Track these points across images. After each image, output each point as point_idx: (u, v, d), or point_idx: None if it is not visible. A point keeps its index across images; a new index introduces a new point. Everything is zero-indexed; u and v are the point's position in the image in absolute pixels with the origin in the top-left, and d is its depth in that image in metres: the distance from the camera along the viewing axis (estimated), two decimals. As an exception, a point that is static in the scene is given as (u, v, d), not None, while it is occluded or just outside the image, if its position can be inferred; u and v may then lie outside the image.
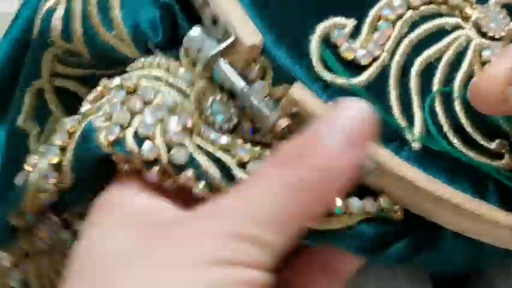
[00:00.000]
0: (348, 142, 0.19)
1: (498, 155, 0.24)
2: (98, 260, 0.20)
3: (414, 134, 0.23)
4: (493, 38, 0.25)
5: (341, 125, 0.19)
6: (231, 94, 0.23)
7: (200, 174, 0.21)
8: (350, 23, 0.24)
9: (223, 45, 0.22)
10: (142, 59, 0.25)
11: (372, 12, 0.24)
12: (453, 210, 0.22)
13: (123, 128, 0.22)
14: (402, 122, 0.23)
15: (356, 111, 0.20)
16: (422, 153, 0.23)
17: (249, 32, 0.22)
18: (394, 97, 0.23)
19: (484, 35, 0.25)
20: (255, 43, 0.22)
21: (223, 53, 0.23)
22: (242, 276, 0.18)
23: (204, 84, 0.23)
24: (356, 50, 0.23)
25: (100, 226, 0.21)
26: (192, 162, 0.21)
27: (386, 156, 0.22)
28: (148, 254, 0.19)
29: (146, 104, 0.23)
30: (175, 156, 0.21)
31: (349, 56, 0.23)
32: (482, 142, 0.24)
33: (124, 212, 0.21)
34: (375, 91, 0.23)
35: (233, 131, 0.23)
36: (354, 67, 0.23)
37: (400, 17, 0.24)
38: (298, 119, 0.22)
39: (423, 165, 0.23)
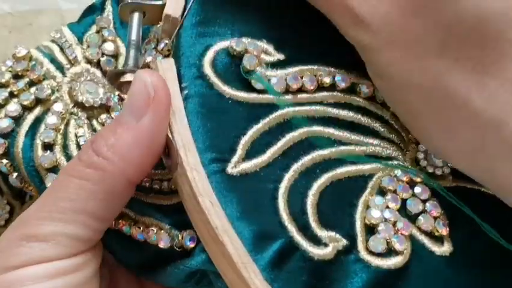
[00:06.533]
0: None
1: None
2: None
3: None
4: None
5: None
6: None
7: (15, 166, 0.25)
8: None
9: (147, 2, 0.25)
10: None
11: None
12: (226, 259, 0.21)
13: None
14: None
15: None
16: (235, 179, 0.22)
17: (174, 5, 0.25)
18: None
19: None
20: (169, 13, 0.25)
21: (148, 9, 0.25)
22: (34, 272, 0.20)
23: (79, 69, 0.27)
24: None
25: None
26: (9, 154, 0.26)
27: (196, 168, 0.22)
28: None
29: None
30: None
31: None
32: None
33: None
34: None
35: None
36: None
37: None
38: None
39: (226, 191, 0.22)
